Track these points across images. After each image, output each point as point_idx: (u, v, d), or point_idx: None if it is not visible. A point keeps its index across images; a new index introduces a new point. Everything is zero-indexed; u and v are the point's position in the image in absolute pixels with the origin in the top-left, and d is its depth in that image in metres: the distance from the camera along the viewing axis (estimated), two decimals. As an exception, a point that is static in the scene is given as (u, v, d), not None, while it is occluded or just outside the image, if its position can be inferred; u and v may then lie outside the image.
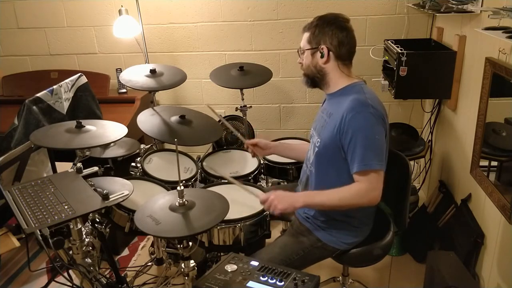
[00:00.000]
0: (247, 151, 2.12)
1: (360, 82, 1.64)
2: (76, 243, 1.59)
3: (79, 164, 1.70)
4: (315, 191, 1.65)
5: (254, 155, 2.04)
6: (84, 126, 1.78)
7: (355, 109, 1.52)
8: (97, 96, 2.53)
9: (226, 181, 2.09)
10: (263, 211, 1.77)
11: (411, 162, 2.76)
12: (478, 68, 1.97)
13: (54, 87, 2.24)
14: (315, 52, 1.63)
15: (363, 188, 1.52)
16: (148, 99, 3.04)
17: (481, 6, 1.94)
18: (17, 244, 2.17)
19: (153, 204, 1.52)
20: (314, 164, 1.69)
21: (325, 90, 1.70)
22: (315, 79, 1.68)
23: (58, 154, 2.20)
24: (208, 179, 2.18)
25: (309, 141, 1.90)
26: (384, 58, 2.69)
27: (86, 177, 1.67)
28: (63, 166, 1.93)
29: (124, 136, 1.77)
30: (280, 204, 1.56)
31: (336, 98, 1.64)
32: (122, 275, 1.86)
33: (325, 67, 1.63)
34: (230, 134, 3.05)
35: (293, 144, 2.21)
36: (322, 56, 1.61)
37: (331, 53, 1.60)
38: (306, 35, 1.65)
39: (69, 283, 1.49)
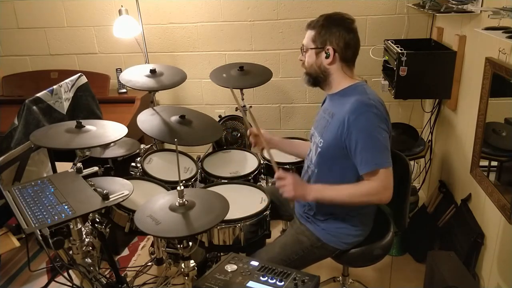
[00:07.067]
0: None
1: (362, 83, 1.64)
2: (76, 243, 1.59)
3: (79, 164, 1.70)
4: (327, 186, 1.62)
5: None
6: (84, 126, 1.78)
7: (358, 111, 1.52)
8: (97, 96, 2.52)
9: (226, 181, 2.09)
10: (263, 211, 1.77)
11: (411, 162, 2.76)
12: (478, 68, 1.96)
13: (54, 87, 2.24)
14: (320, 52, 1.61)
15: (374, 187, 1.52)
16: (148, 99, 3.04)
17: (481, 6, 1.94)
18: (17, 244, 2.17)
19: (153, 204, 1.52)
20: (317, 164, 1.68)
21: (327, 90, 1.70)
22: (317, 79, 1.67)
23: (58, 154, 2.19)
24: (208, 179, 2.18)
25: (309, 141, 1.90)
26: (384, 58, 2.69)
27: (86, 177, 1.67)
28: (63, 166, 1.93)
29: (124, 136, 1.76)
30: (293, 192, 1.57)
31: (338, 99, 1.64)
32: (122, 275, 1.86)
33: (330, 68, 1.62)
34: (230, 134, 3.05)
35: (296, 141, 2.20)
36: (327, 57, 1.60)
37: (336, 54, 1.59)
38: (311, 33, 1.63)
39: (69, 283, 1.49)
